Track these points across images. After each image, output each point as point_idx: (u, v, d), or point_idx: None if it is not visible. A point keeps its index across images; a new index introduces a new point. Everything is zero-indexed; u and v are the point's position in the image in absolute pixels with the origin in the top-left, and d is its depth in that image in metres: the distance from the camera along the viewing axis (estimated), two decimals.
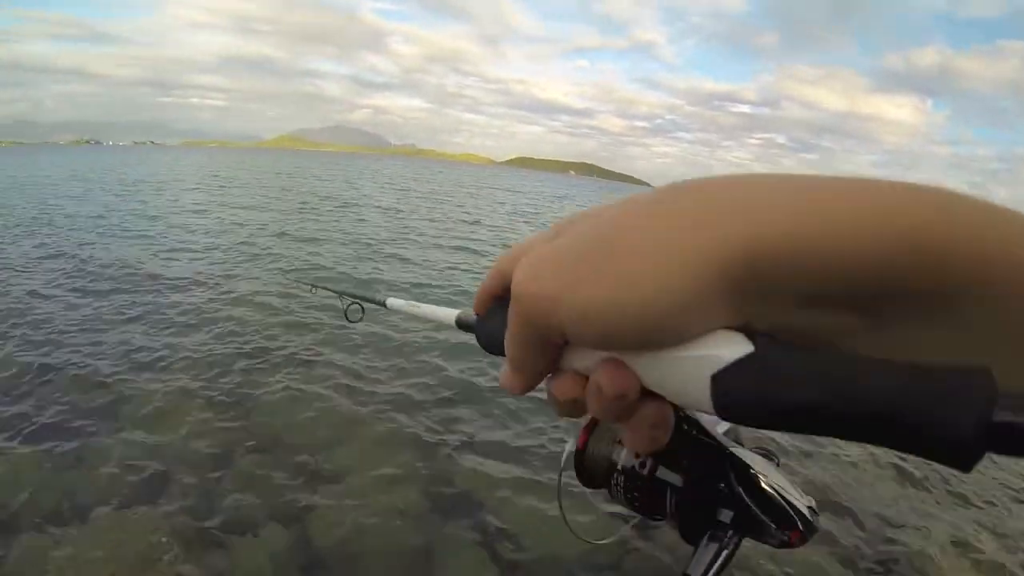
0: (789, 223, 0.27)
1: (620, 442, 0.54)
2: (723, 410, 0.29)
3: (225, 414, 5.14)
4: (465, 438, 5.22)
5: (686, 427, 0.50)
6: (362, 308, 1.30)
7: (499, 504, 4.37)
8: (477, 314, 0.50)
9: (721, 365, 0.29)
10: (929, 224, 0.26)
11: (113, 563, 3.47)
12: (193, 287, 9.11)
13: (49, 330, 6.85)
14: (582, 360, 0.35)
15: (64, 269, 9.84)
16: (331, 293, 1.48)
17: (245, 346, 6.73)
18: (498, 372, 0.43)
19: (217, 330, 7.17)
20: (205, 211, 19.01)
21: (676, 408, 0.35)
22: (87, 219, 15.60)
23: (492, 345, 0.46)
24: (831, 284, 0.27)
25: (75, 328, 6.98)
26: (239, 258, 11.45)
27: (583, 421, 0.55)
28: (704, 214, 0.29)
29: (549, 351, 0.35)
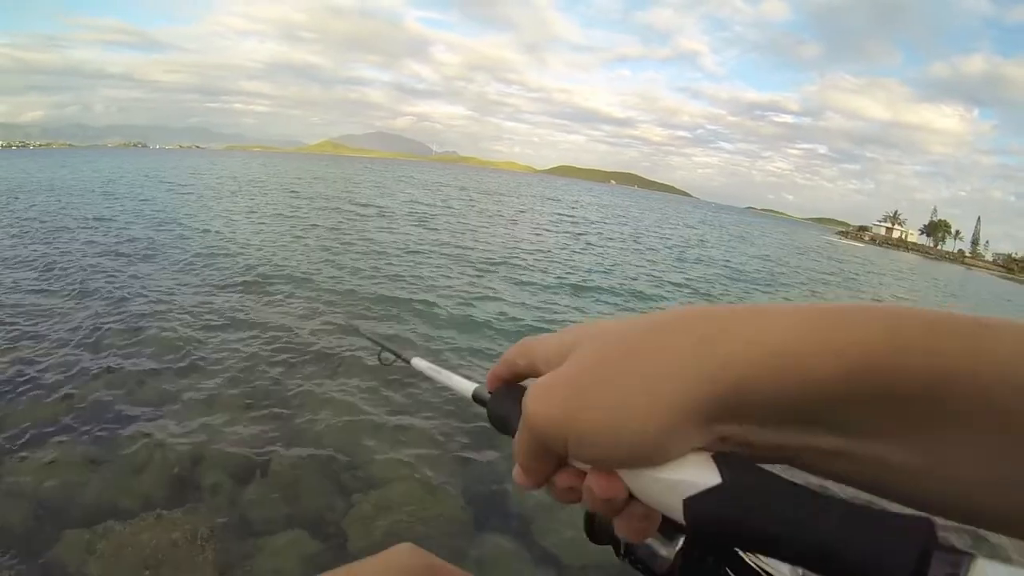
0: (752, 363, 0.31)
1: None
2: (693, 529, 0.33)
3: (263, 420, 5.21)
4: (503, 454, 5.13)
5: None
6: (394, 355, 1.28)
7: (538, 518, 4.33)
8: (490, 392, 0.54)
9: (692, 492, 0.33)
10: (877, 349, 0.29)
11: (152, 561, 3.53)
12: (234, 293, 9.31)
13: (89, 328, 7.04)
14: (579, 463, 0.38)
15: (105, 269, 10.14)
16: (367, 341, 1.60)
17: (283, 353, 6.82)
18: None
19: (259, 336, 7.28)
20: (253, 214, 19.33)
21: None
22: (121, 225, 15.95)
23: (497, 423, 0.51)
24: (791, 411, 0.31)
25: (115, 325, 7.23)
26: (286, 269, 11.57)
27: None
28: (683, 355, 0.34)
29: (554, 459, 0.39)
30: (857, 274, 36.16)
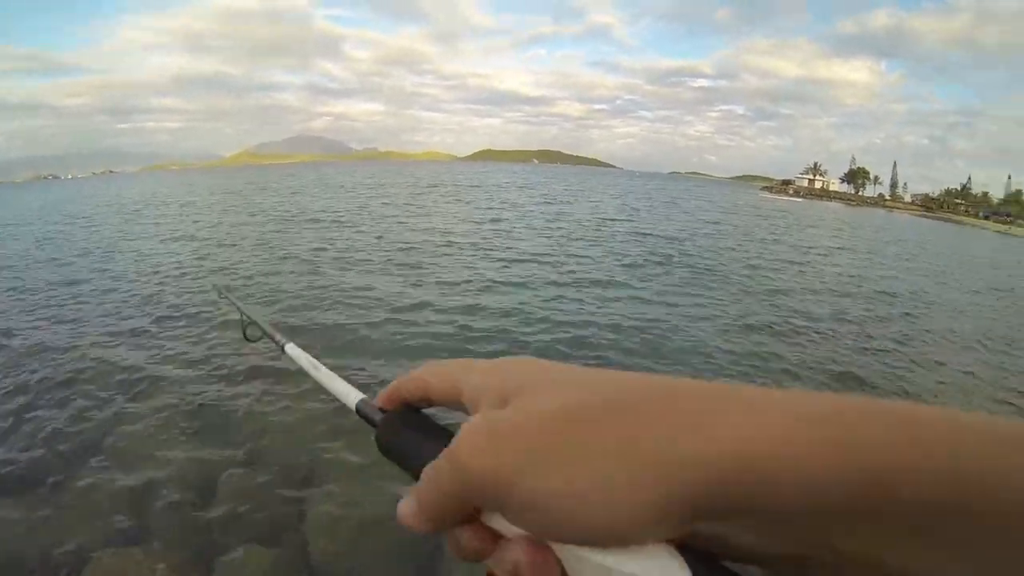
0: (748, 461, 0.28)
1: None
2: None
3: (201, 440, 5.14)
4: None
5: None
6: (263, 333, 1.10)
7: None
8: (382, 409, 0.48)
9: None
10: (880, 451, 0.27)
11: None
12: (143, 321, 9.07)
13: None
14: (500, 522, 0.34)
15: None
16: (233, 307, 1.28)
17: (215, 364, 6.79)
18: None
19: (178, 359, 7.16)
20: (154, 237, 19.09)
21: None
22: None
23: (389, 450, 0.45)
24: (785, 516, 0.28)
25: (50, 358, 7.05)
26: (188, 281, 11.56)
27: None
28: (672, 437, 0.30)
29: (468, 511, 0.35)
30: (789, 226, 37.16)
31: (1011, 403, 8.19)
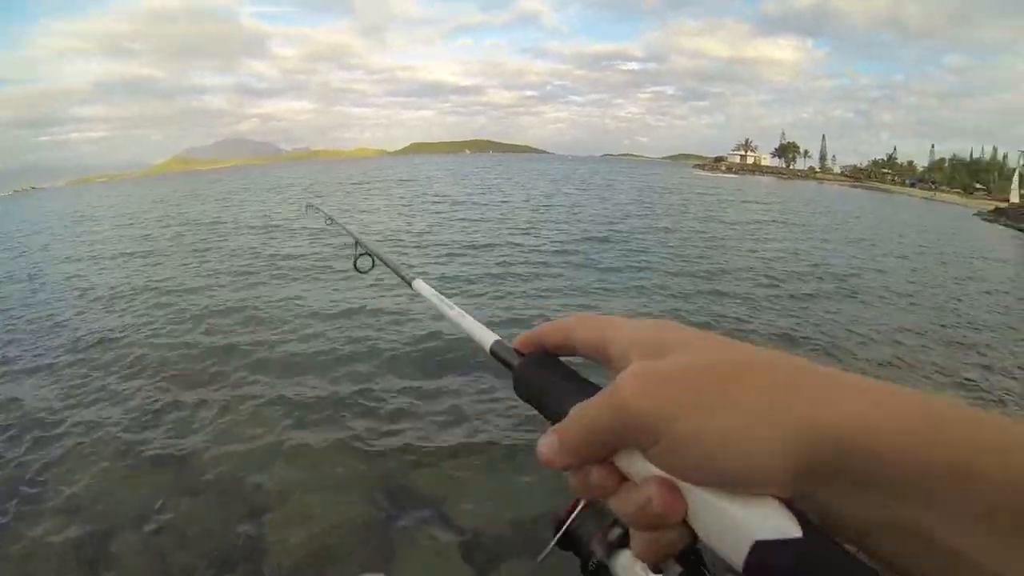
0: (858, 425, 0.31)
1: (606, 531, 0.53)
2: (748, 573, 0.32)
3: (146, 470, 4.99)
4: (396, 438, 5.28)
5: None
6: (373, 260, 1.23)
7: (448, 497, 4.46)
8: (519, 352, 0.50)
9: (766, 536, 0.31)
10: (962, 446, 0.29)
11: None
12: (84, 345, 8.65)
13: None
14: (632, 464, 0.38)
15: None
16: (345, 234, 1.44)
17: (151, 394, 6.52)
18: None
19: (121, 382, 6.97)
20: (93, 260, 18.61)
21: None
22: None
23: (528, 391, 0.48)
24: (879, 480, 0.30)
25: None
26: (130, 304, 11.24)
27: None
28: (810, 398, 0.33)
29: (610, 450, 0.39)
30: (722, 203, 37.66)
31: (932, 350, 8.65)
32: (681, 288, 11.82)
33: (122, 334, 8.82)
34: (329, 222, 1.79)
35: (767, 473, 0.32)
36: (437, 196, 35.70)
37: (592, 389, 0.43)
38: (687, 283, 12.30)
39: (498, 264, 13.50)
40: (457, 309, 0.64)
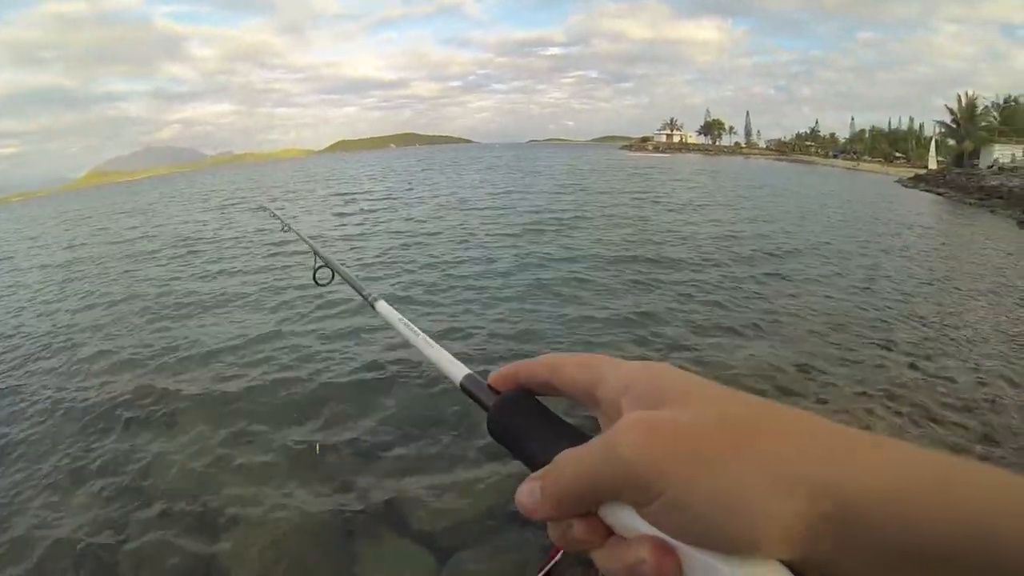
0: (870, 487, 0.30)
1: None
2: None
3: (98, 497, 4.89)
4: (347, 444, 5.38)
5: None
6: (332, 274, 1.23)
7: (406, 497, 4.55)
8: (494, 389, 0.47)
9: None
10: (983, 514, 0.28)
11: None
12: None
13: None
14: (621, 518, 0.36)
15: None
16: (304, 244, 1.46)
17: (91, 418, 6.39)
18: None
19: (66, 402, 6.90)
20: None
21: None
22: None
23: (505, 435, 0.45)
24: (888, 547, 0.29)
25: None
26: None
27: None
28: (820, 460, 0.32)
29: (597, 503, 0.37)
30: (651, 178, 37.91)
31: (861, 310, 9.38)
32: (619, 273, 11.96)
33: (48, 361, 8.68)
34: (286, 229, 1.75)
35: (774, 536, 0.31)
36: (350, 195, 35.47)
37: (578, 436, 0.41)
38: (625, 270, 12.29)
39: (424, 265, 13.30)
40: (423, 336, 0.61)
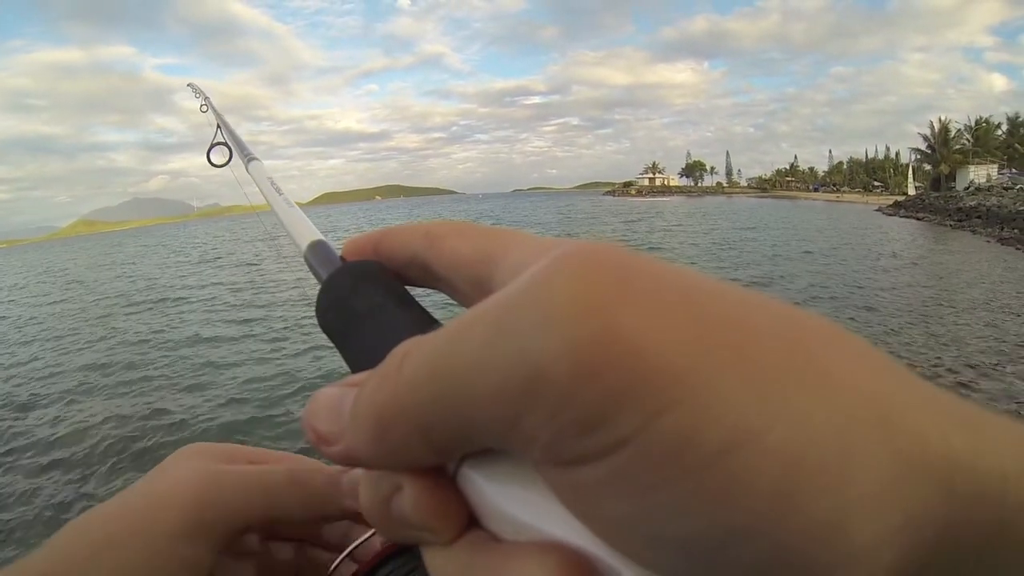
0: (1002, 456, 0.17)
1: None
2: None
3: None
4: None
5: None
6: (230, 152, 0.84)
7: None
8: (343, 259, 0.33)
9: None
10: None
11: None
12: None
13: None
14: (505, 493, 0.19)
15: None
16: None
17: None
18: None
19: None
20: None
21: None
22: None
23: (334, 319, 0.30)
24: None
25: None
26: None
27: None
28: (909, 406, 0.17)
29: (467, 444, 0.19)
30: (640, 218, 38.66)
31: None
32: None
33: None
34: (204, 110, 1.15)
35: (867, 548, 0.15)
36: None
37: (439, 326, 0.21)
38: None
39: None
40: (284, 196, 0.47)
